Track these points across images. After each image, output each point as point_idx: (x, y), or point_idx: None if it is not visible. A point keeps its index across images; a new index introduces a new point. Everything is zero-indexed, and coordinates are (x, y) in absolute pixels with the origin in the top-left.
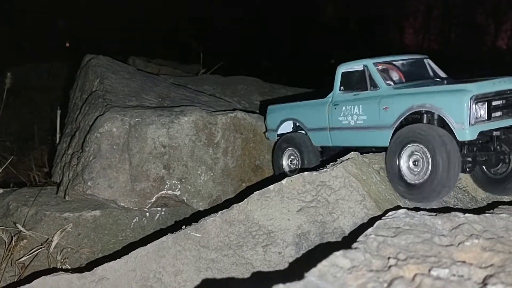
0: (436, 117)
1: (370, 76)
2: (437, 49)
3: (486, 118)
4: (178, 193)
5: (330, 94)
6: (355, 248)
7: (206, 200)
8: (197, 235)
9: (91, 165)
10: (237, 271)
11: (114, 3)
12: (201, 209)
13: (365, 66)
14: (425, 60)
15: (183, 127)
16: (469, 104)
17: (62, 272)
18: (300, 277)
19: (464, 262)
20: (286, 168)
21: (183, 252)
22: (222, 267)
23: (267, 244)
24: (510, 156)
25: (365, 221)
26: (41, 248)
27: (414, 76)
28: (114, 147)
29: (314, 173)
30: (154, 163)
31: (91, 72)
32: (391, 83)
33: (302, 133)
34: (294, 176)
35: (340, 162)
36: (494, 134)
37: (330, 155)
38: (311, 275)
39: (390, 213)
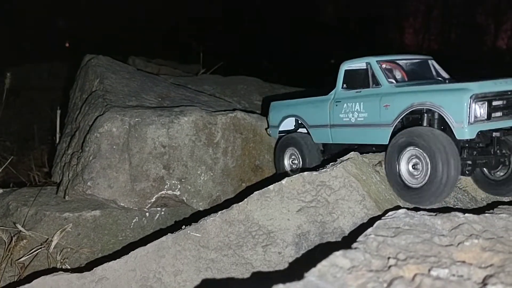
0: (436, 116)
1: (372, 73)
2: (437, 49)
3: (485, 117)
4: (178, 193)
5: (333, 91)
6: (355, 248)
7: (206, 200)
8: (197, 235)
9: (91, 165)
10: (237, 271)
11: (114, 3)
12: (201, 209)
13: (368, 63)
14: (429, 61)
15: (183, 127)
16: (469, 102)
17: (62, 272)
18: (300, 277)
19: (463, 262)
20: (288, 168)
21: (183, 252)
22: (222, 267)
23: (267, 244)
24: (510, 159)
25: (365, 221)
26: (41, 248)
27: (417, 76)
28: (114, 147)
29: (314, 173)
30: (154, 163)
31: (91, 72)
32: (393, 81)
33: (303, 132)
34: (294, 176)
35: (340, 162)
36: (493, 135)
37: (332, 154)
38: (311, 275)
39: (390, 213)
